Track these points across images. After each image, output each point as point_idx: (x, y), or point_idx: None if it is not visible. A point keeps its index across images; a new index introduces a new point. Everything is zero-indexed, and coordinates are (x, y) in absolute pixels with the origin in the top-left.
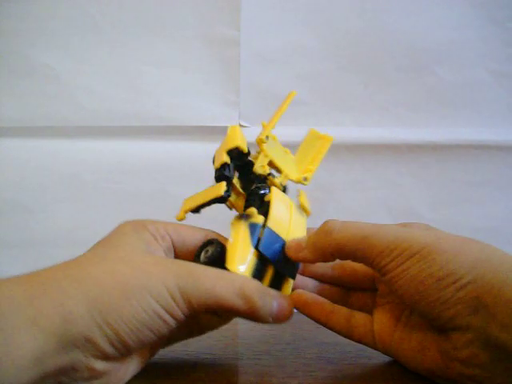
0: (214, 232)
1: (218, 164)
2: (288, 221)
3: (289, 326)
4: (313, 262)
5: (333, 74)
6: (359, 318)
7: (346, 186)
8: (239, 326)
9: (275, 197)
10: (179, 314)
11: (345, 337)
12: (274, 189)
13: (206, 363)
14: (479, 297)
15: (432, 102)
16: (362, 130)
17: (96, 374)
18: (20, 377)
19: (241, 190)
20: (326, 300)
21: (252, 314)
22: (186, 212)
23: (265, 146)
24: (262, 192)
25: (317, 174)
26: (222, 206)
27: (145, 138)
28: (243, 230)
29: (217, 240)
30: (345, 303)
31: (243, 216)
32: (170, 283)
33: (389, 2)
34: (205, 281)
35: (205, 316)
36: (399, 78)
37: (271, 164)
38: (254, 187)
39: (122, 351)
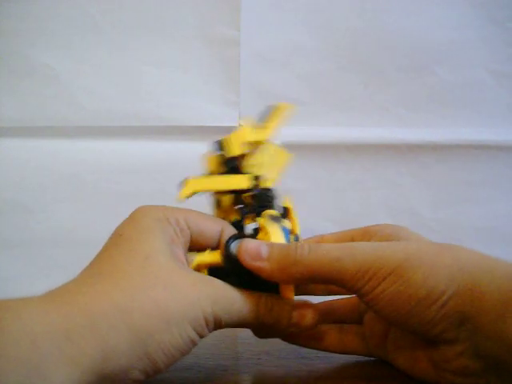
0: (229, 224)
1: (232, 153)
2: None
3: None
4: (269, 277)
5: (333, 74)
6: (350, 332)
7: (346, 185)
8: None
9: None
10: (207, 334)
11: (339, 354)
12: (288, 197)
13: (206, 363)
14: (462, 311)
15: (432, 102)
16: (362, 129)
17: None
18: None
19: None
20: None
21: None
22: (190, 194)
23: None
24: (273, 194)
25: (317, 174)
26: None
27: (145, 138)
28: (280, 231)
29: (248, 235)
30: (334, 317)
31: (274, 217)
32: (207, 309)
33: (389, 2)
34: (237, 305)
35: None
36: (399, 78)
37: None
38: (261, 189)
39: (151, 375)
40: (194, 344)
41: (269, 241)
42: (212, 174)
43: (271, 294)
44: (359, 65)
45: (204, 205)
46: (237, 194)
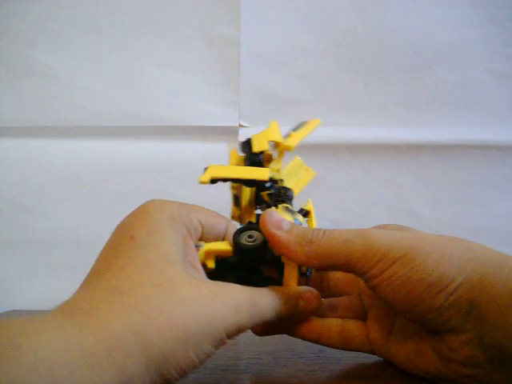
0: (232, 221)
1: (257, 149)
2: None
3: None
4: (283, 249)
5: (333, 74)
6: (353, 328)
7: (346, 185)
8: None
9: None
10: (226, 343)
11: (341, 349)
12: (310, 200)
13: (206, 363)
14: (471, 299)
15: (432, 102)
16: (362, 129)
17: None
18: None
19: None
20: (314, 317)
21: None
22: (212, 179)
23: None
24: (291, 194)
25: (317, 174)
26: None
27: (145, 138)
28: (292, 222)
29: (256, 228)
30: (336, 314)
31: (289, 209)
32: (229, 321)
33: (389, 2)
34: (258, 307)
35: None
36: (399, 78)
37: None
38: (280, 187)
39: None
40: (209, 357)
41: None
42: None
43: (279, 287)
44: (359, 65)
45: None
46: (255, 185)
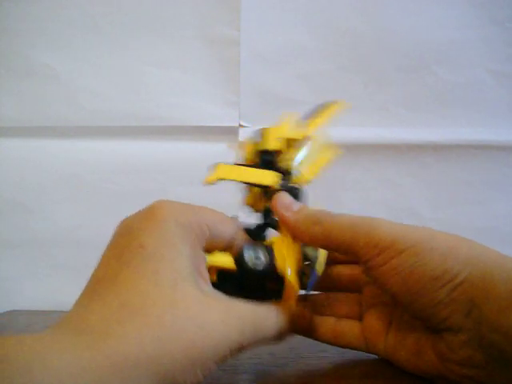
0: (241, 227)
1: (268, 146)
2: None
3: None
4: (292, 228)
5: (333, 74)
6: (346, 325)
7: (346, 185)
8: None
9: None
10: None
11: (335, 346)
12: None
13: None
14: (471, 296)
15: (432, 102)
16: (362, 130)
17: None
18: None
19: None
20: (309, 313)
21: None
22: (216, 181)
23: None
24: (298, 194)
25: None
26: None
27: (145, 138)
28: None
29: (263, 245)
30: (331, 311)
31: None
32: (235, 343)
33: (389, 2)
34: (263, 330)
35: None
36: (399, 78)
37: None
38: (289, 187)
39: None
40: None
41: (286, 236)
42: (243, 163)
43: (281, 303)
44: (359, 65)
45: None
46: (262, 188)
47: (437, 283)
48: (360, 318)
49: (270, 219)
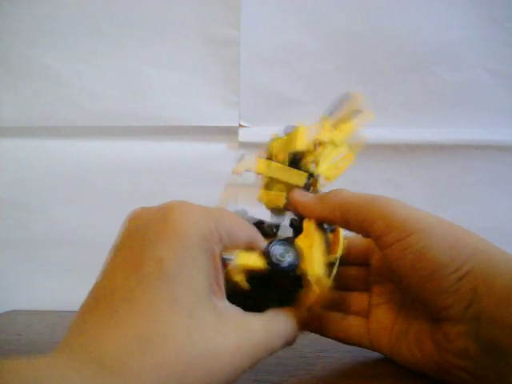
0: (256, 230)
1: (298, 148)
2: None
3: None
4: (311, 211)
5: (333, 74)
6: (353, 321)
7: (347, 186)
8: None
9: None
10: None
11: (340, 341)
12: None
13: None
14: (475, 288)
15: (432, 102)
16: (361, 130)
17: None
18: None
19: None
20: (320, 314)
21: None
22: (244, 171)
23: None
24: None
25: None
26: None
27: (145, 138)
28: (322, 243)
29: (288, 243)
30: (339, 308)
31: (322, 227)
32: (246, 369)
33: (389, 2)
34: (271, 350)
35: None
36: (399, 78)
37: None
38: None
39: None
40: None
41: (307, 248)
42: (272, 159)
43: (298, 307)
44: (359, 65)
45: None
46: (291, 186)
47: (444, 271)
48: (367, 316)
49: (290, 218)
